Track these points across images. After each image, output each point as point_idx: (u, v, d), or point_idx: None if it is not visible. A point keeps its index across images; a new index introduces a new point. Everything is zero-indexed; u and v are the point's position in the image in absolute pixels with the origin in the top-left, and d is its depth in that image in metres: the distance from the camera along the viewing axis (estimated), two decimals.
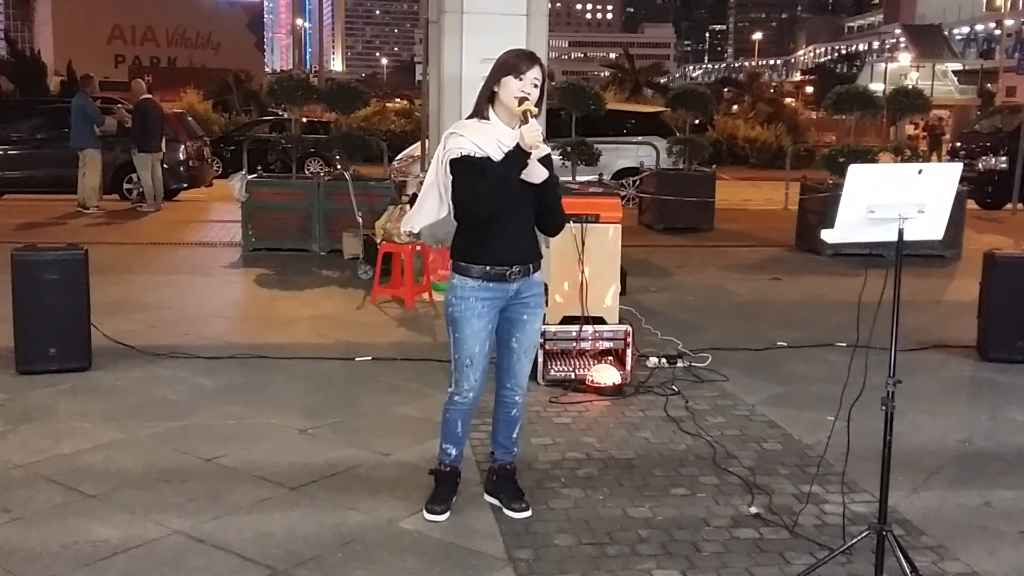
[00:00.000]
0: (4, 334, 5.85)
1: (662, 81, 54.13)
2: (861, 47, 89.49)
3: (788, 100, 48.60)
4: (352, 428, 4.97)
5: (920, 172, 3.20)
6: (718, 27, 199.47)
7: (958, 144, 19.55)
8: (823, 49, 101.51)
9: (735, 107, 41.12)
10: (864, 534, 3.41)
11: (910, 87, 13.48)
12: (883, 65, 59.33)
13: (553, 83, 13.69)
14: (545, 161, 3.71)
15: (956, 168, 3.29)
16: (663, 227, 12.96)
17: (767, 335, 7.09)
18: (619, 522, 3.91)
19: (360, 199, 9.51)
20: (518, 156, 3.55)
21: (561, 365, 5.70)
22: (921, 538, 3.81)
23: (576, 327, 5.70)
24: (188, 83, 35.63)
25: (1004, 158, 16.93)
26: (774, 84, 61.71)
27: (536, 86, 3.64)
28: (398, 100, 44.37)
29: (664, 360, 6.15)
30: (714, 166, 15.55)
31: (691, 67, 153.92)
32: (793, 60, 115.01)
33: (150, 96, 14.68)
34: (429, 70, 10.36)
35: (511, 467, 4.05)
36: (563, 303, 5.79)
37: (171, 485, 4.17)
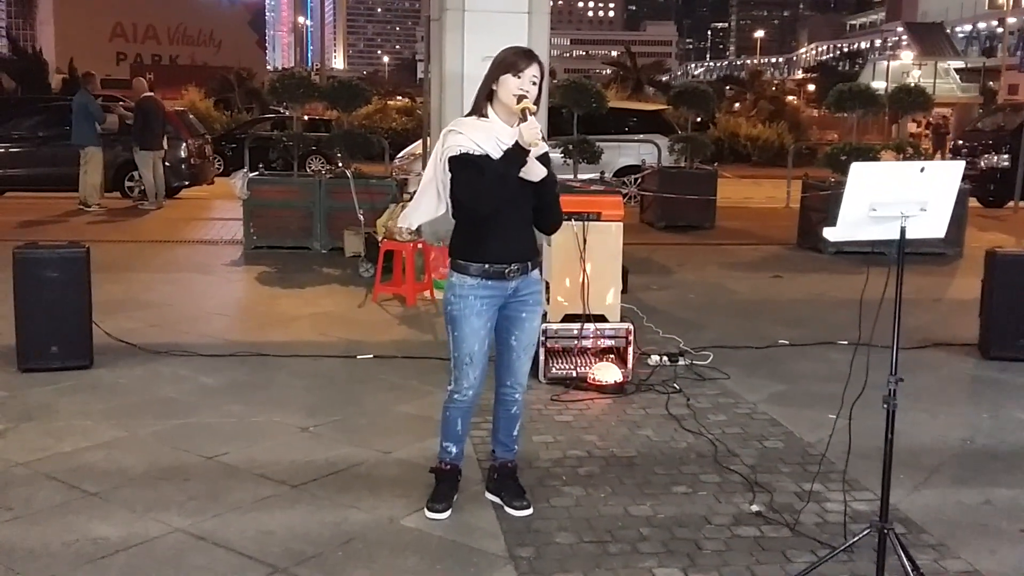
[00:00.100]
0: (5, 332, 5.85)
1: (664, 79, 54.06)
2: (863, 45, 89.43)
3: (790, 98, 48.56)
4: (353, 426, 4.97)
5: (922, 170, 3.19)
6: (720, 25, 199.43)
7: (960, 142, 19.52)
8: (825, 47, 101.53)
9: (737, 105, 41.09)
10: (865, 532, 3.41)
11: (912, 85, 13.46)
12: (885, 63, 59.18)
13: (555, 81, 13.67)
14: (543, 159, 3.70)
15: (958, 166, 3.29)
16: (665, 225, 12.96)
17: (768, 333, 7.09)
18: (620, 520, 3.91)
19: (361, 197, 9.51)
20: (517, 154, 3.55)
21: (562, 363, 5.70)
22: (922, 536, 3.81)
23: (578, 325, 5.70)
24: (190, 81, 35.64)
25: (1006, 156, 16.90)
26: (776, 82, 61.62)
27: (535, 83, 3.63)
28: (400, 98, 44.34)
29: (665, 358, 6.14)
30: (716, 164, 15.56)
31: (693, 65, 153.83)
32: (795, 58, 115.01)
33: (151, 94, 14.69)
34: (431, 68, 10.35)
35: (512, 465, 4.05)
36: (565, 301, 5.78)
37: (172, 483, 4.17)
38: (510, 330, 3.85)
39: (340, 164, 11.40)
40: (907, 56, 61.64)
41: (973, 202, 14.41)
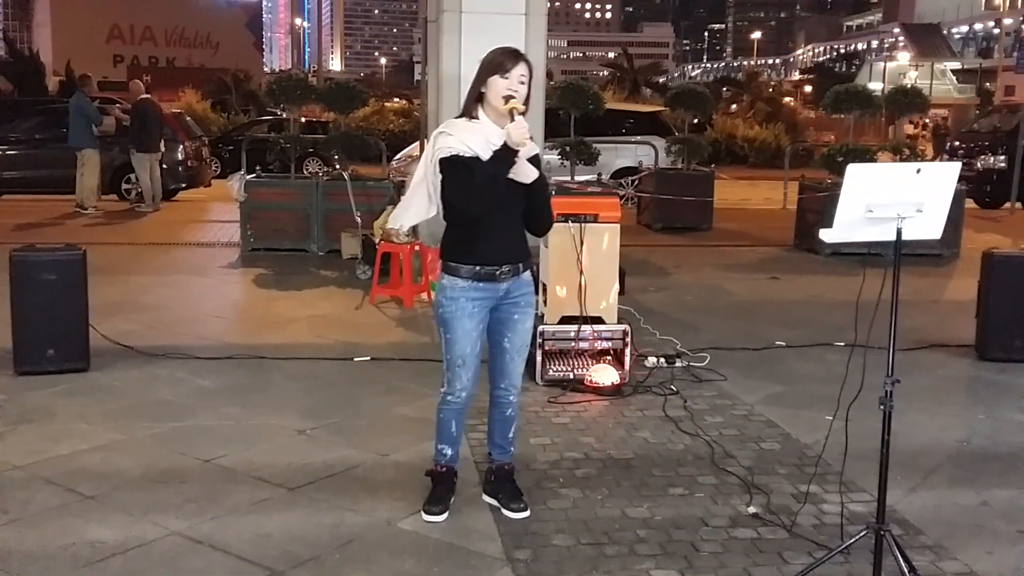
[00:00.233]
0: (2, 335, 5.84)
1: (661, 80, 54.23)
2: (860, 46, 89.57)
3: (787, 99, 48.62)
4: (350, 429, 4.97)
5: (918, 171, 3.20)
6: (717, 26, 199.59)
7: (957, 143, 19.54)
8: (822, 48, 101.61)
9: (734, 106, 41.13)
10: (862, 534, 3.41)
11: (908, 86, 13.47)
12: (882, 64, 59.33)
13: (552, 82, 13.68)
14: (533, 161, 3.70)
15: (954, 167, 3.29)
16: (662, 227, 12.96)
17: (765, 335, 7.09)
18: (617, 522, 3.91)
19: (359, 199, 9.51)
20: (506, 155, 3.55)
21: (560, 365, 5.70)
22: (919, 537, 3.81)
23: (575, 327, 5.69)
24: (187, 83, 35.64)
25: (1003, 157, 16.93)
26: (773, 83, 61.67)
27: (523, 83, 3.63)
28: (397, 100, 44.34)
29: (663, 360, 6.15)
30: (713, 165, 15.55)
31: (690, 66, 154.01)
32: (792, 59, 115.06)
33: (148, 96, 14.67)
34: (428, 70, 10.36)
35: (509, 467, 4.05)
36: (562, 303, 5.78)
37: (169, 486, 4.17)
38: (502, 332, 3.85)
39: (337, 166, 11.40)
40: (904, 57, 61.76)
41: (970, 203, 14.44)
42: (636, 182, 14.22)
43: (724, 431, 5.02)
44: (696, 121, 17.07)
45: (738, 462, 4.59)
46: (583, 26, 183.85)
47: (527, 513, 3.92)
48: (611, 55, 78.71)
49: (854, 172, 3.19)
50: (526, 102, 3.65)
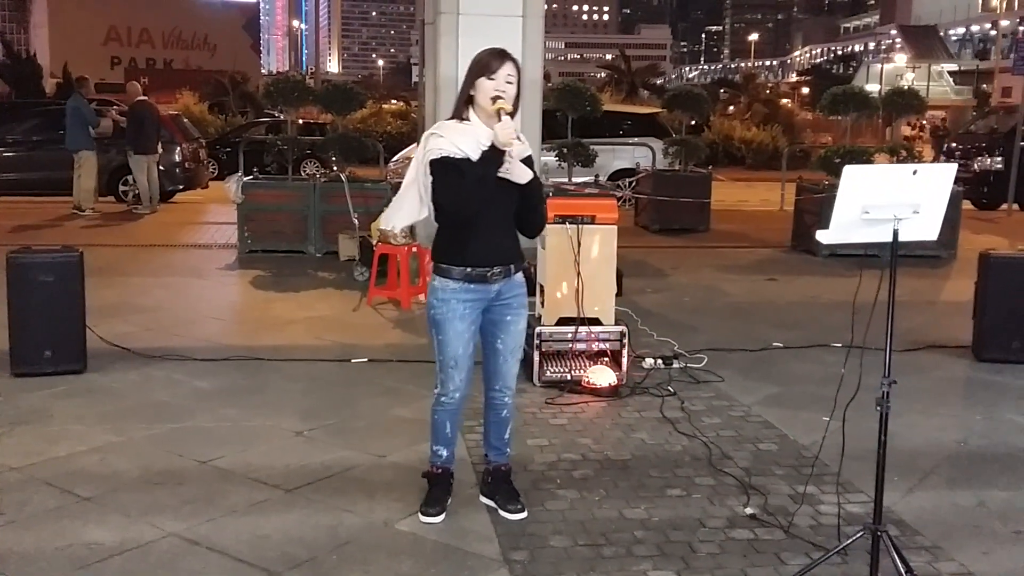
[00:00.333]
0: None
1: (658, 82, 54.21)
2: (857, 48, 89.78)
3: (784, 101, 48.64)
4: (348, 430, 4.97)
5: (915, 173, 3.20)
6: (714, 28, 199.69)
7: (954, 144, 19.57)
8: (819, 50, 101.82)
9: (731, 108, 41.16)
10: (859, 534, 3.41)
11: (905, 88, 13.49)
12: (879, 66, 59.40)
13: (549, 84, 13.68)
14: (526, 162, 3.71)
15: (951, 169, 3.30)
16: (659, 228, 12.97)
17: (763, 336, 7.10)
18: (615, 523, 3.91)
19: (356, 201, 9.51)
20: (494, 155, 3.56)
21: (557, 366, 5.71)
22: (916, 538, 3.81)
23: (572, 328, 5.70)
24: (184, 85, 35.59)
25: (999, 159, 16.94)
26: (770, 85, 61.75)
27: (511, 82, 3.64)
28: (394, 101, 44.31)
29: (660, 361, 6.15)
30: (710, 167, 15.57)
31: (687, 68, 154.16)
32: (789, 61, 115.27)
33: (146, 98, 14.68)
34: (425, 72, 10.36)
35: (506, 468, 4.04)
36: (559, 304, 5.79)
37: (166, 487, 4.17)
38: (495, 334, 3.86)
39: (335, 168, 11.39)
40: (901, 59, 61.87)
41: (967, 204, 14.45)
42: (634, 184, 14.23)
43: (721, 432, 5.03)
44: (693, 123, 17.06)
45: (735, 463, 4.59)
46: (580, 28, 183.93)
47: (524, 514, 3.92)
48: (608, 57, 78.81)
49: (851, 173, 3.19)
50: (516, 102, 3.66)
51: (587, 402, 5.44)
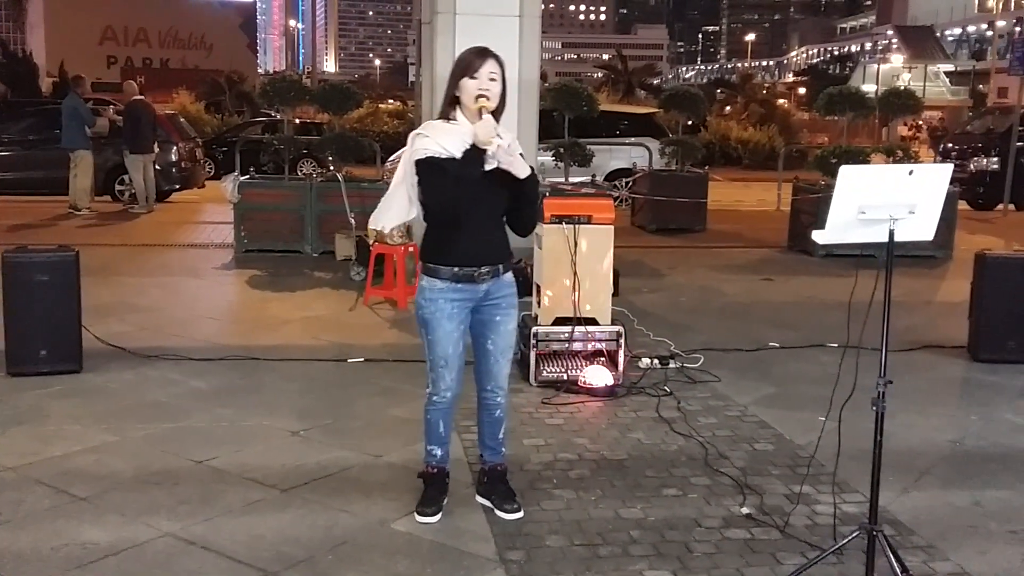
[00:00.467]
0: None
1: (655, 82, 54.21)
2: (853, 48, 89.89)
3: (781, 101, 48.70)
4: (344, 430, 4.96)
5: (911, 173, 3.21)
6: (711, 28, 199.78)
7: (950, 145, 19.60)
8: (815, 50, 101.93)
9: (728, 108, 41.20)
10: (855, 534, 3.42)
11: (902, 88, 13.51)
12: (875, 66, 59.47)
13: (546, 84, 13.69)
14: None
15: (947, 169, 3.30)
16: (656, 228, 12.98)
17: (759, 336, 7.10)
18: (611, 523, 3.91)
19: (353, 200, 9.50)
20: (476, 154, 3.56)
21: (553, 366, 5.71)
22: (912, 538, 3.82)
23: (568, 328, 5.70)
24: (180, 84, 35.57)
25: (995, 159, 16.98)
26: (767, 85, 61.82)
27: (494, 80, 3.64)
28: (391, 101, 44.31)
29: (656, 361, 6.15)
30: (707, 167, 15.58)
31: (684, 68, 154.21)
32: (786, 61, 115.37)
33: (142, 97, 14.65)
34: (422, 71, 10.36)
35: (501, 468, 4.04)
36: (555, 304, 5.79)
37: (162, 487, 4.16)
38: (485, 334, 3.86)
39: (331, 167, 11.39)
40: (897, 59, 61.95)
41: (962, 205, 14.47)
42: (630, 184, 14.24)
43: (717, 432, 5.03)
44: (690, 123, 17.10)
45: (731, 463, 4.60)
46: (577, 28, 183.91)
47: (520, 514, 3.92)
48: (605, 57, 78.80)
49: (847, 173, 3.20)
50: (503, 98, 3.67)
51: (583, 402, 5.45)
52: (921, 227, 3.29)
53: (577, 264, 5.66)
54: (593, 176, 13.12)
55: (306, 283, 9.01)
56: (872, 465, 3.35)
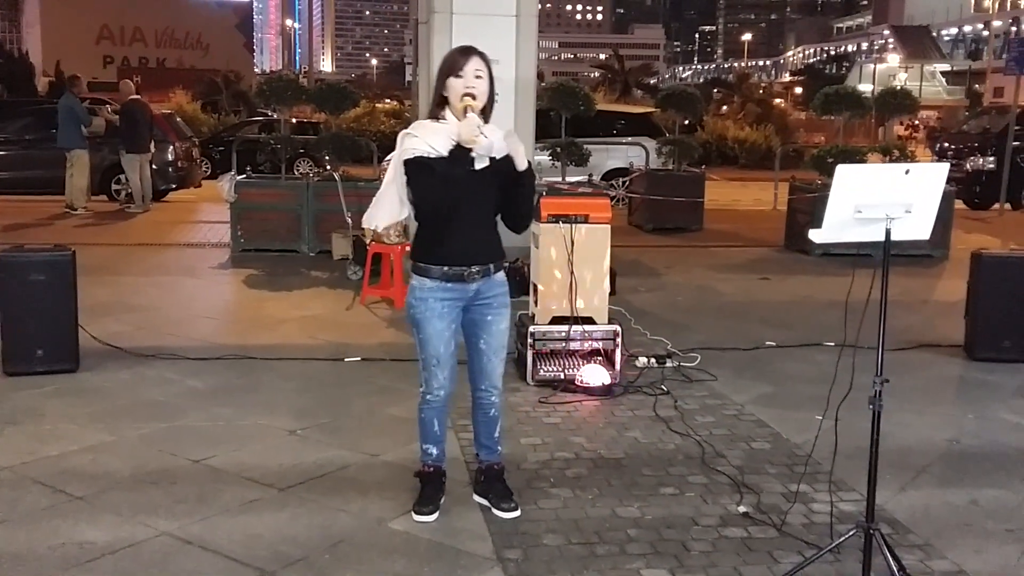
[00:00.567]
0: None
1: (652, 82, 54.18)
2: (850, 48, 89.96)
3: (777, 101, 48.76)
4: (341, 429, 4.96)
5: (907, 172, 3.21)
6: (708, 28, 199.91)
7: (946, 144, 19.62)
8: (812, 50, 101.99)
9: (724, 108, 41.20)
10: (852, 533, 3.42)
11: (898, 88, 13.53)
12: (872, 66, 59.52)
13: (543, 84, 13.70)
14: (507, 157, 3.69)
15: (943, 168, 3.31)
16: (652, 227, 12.99)
17: (756, 335, 7.11)
18: (608, 522, 3.91)
19: (349, 200, 9.50)
20: (460, 153, 3.56)
21: (550, 365, 5.71)
22: (908, 536, 3.82)
23: (565, 327, 5.70)
24: (177, 84, 35.55)
25: (992, 158, 17.00)
26: (763, 85, 61.86)
27: (480, 77, 3.64)
28: (388, 101, 44.31)
29: (653, 360, 6.15)
30: (703, 167, 15.58)
31: (681, 68, 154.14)
32: (782, 61, 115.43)
33: (138, 97, 14.64)
34: (419, 71, 10.35)
35: (498, 467, 4.04)
36: (552, 303, 5.79)
37: (159, 487, 4.16)
38: (477, 334, 3.86)
39: (328, 167, 11.39)
40: (893, 59, 62.01)
41: (959, 204, 14.49)
42: (627, 183, 14.24)
43: (714, 431, 5.03)
44: (687, 122, 17.09)
45: (728, 462, 4.60)
46: (574, 27, 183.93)
47: (517, 513, 3.92)
48: (602, 56, 78.81)
49: (843, 173, 3.20)
50: (491, 95, 3.68)
51: (580, 401, 5.45)
52: (917, 226, 3.30)
53: (574, 263, 5.67)
54: (590, 175, 13.12)
55: (303, 282, 9.01)
56: (869, 464, 3.36)
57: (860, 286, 3.39)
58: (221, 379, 5.80)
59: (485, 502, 4.00)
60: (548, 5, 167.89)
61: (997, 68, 47.47)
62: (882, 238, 3.26)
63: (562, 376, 5.66)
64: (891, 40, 68.70)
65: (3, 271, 5.63)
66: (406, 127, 3.81)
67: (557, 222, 5.70)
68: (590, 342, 5.74)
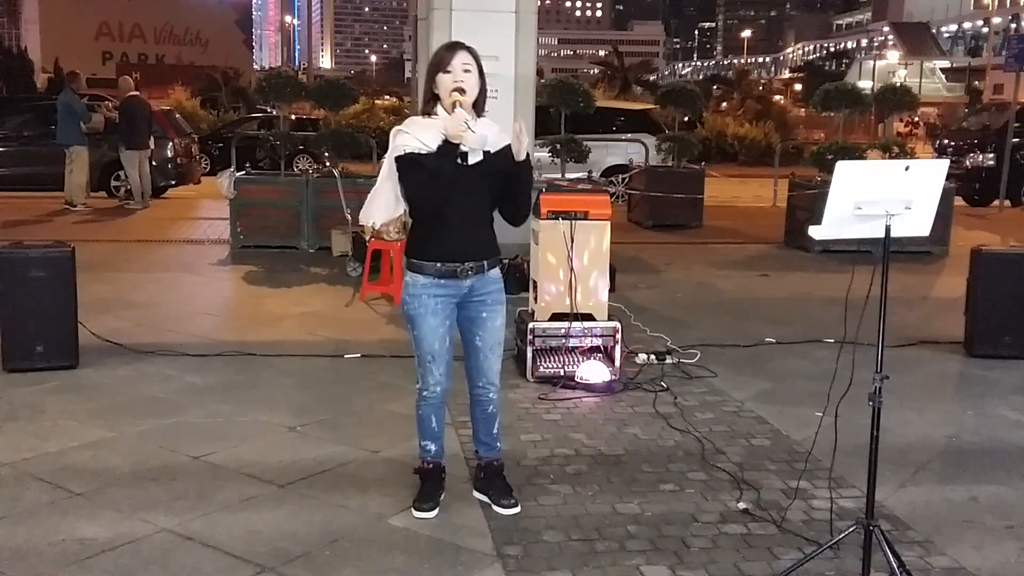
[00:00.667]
0: None
1: (651, 78, 54.14)
2: (849, 44, 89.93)
3: (777, 97, 48.67)
4: (341, 425, 4.96)
5: (907, 169, 3.21)
6: (707, 25, 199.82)
7: (946, 141, 19.61)
8: (812, 47, 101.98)
9: (724, 104, 41.16)
10: (851, 529, 3.42)
11: (898, 84, 13.53)
12: (871, 62, 59.51)
13: (542, 80, 13.69)
14: (504, 151, 3.69)
15: (943, 164, 3.30)
16: (652, 224, 12.99)
17: (755, 331, 7.11)
18: (608, 518, 3.91)
19: (349, 196, 9.49)
20: (448, 148, 3.56)
21: (550, 362, 5.71)
22: (908, 533, 3.83)
23: (565, 324, 5.70)
24: (176, 80, 35.55)
25: (991, 155, 16.99)
26: (763, 81, 61.75)
27: (468, 71, 3.65)
28: (387, 97, 44.27)
29: (653, 356, 6.16)
30: (703, 163, 15.58)
31: (680, 64, 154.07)
32: (782, 57, 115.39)
33: (137, 93, 14.62)
34: (418, 67, 10.34)
35: (498, 463, 4.05)
36: (552, 300, 5.79)
37: (159, 483, 4.16)
38: (473, 331, 3.86)
39: (327, 163, 11.38)
40: (893, 56, 61.99)
41: (959, 201, 14.49)
42: (627, 180, 14.23)
43: (714, 427, 5.04)
44: (686, 119, 17.08)
45: (728, 458, 4.60)
46: (573, 24, 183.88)
47: (517, 509, 3.92)
48: (602, 53, 78.66)
49: (843, 169, 3.20)
50: (482, 89, 3.69)
51: (580, 398, 5.45)
52: (917, 223, 3.29)
53: (574, 260, 5.66)
54: (589, 172, 13.12)
55: (302, 279, 9.01)
56: (869, 460, 3.36)
57: (860, 282, 3.39)
58: (221, 375, 5.80)
59: (485, 498, 4.00)
60: (547, 1, 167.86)
61: (997, 65, 47.45)
62: (882, 234, 3.26)
63: (562, 373, 5.66)
64: (891, 37, 68.70)
65: (3, 267, 5.63)
66: (400, 124, 3.82)
67: (557, 219, 5.69)
68: (590, 339, 5.74)
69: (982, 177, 17.05)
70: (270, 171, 12.12)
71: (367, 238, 8.27)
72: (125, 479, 4.20)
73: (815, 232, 3.29)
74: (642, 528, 3.83)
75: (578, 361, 5.68)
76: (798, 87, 65.60)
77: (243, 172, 11.18)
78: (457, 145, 3.55)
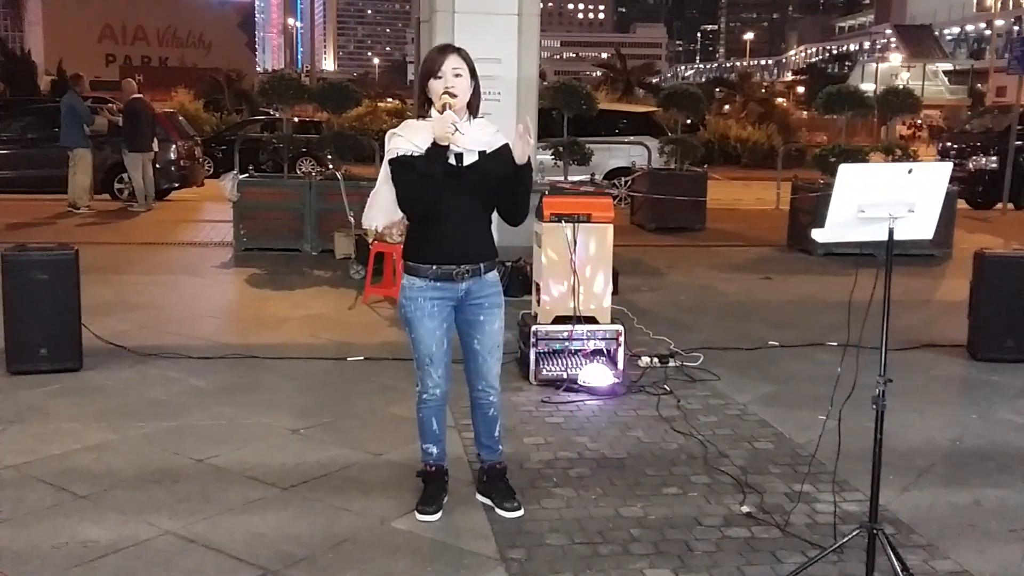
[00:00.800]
0: None
1: (654, 81, 54.15)
2: (852, 47, 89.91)
3: (779, 100, 48.72)
4: (344, 428, 4.96)
5: (910, 172, 3.21)
6: (709, 27, 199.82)
7: (949, 144, 19.59)
8: (814, 49, 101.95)
9: (727, 107, 41.20)
10: (855, 533, 3.42)
11: (901, 87, 13.52)
12: (874, 65, 59.45)
13: (545, 83, 13.70)
14: (503, 151, 3.69)
15: (946, 168, 3.30)
16: (655, 227, 12.99)
17: (758, 335, 7.11)
18: (611, 521, 3.91)
19: (352, 199, 9.49)
20: (436, 151, 3.56)
21: (553, 365, 5.70)
22: (912, 537, 3.82)
23: (568, 327, 5.70)
24: (179, 83, 35.53)
25: (994, 158, 16.99)
26: (765, 84, 61.80)
27: (459, 75, 3.65)
28: (390, 100, 44.32)
29: (656, 359, 6.15)
30: (706, 166, 15.58)
31: (683, 67, 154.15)
32: (784, 60, 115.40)
33: (140, 96, 14.65)
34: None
35: (500, 466, 4.04)
36: (555, 303, 5.79)
37: (162, 485, 4.16)
38: (471, 334, 3.86)
39: (330, 166, 11.38)
40: (896, 58, 61.95)
41: (961, 204, 14.48)
42: (629, 182, 14.24)
43: (717, 431, 5.03)
44: (689, 121, 17.07)
45: (731, 461, 4.60)
46: (576, 26, 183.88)
47: (521, 512, 3.92)
48: (604, 55, 78.72)
49: (846, 172, 3.20)
50: (476, 91, 3.69)
51: (583, 401, 5.45)
52: (920, 226, 3.29)
53: (576, 263, 5.66)
54: (592, 175, 13.13)
55: (305, 281, 9.01)
56: (872, 464, 3.36)
57: (863, 286, 3.39)
58: (224, 378, 5.80)
59: (488, 502, 4.00)
60: (550, 4, 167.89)
61: (1000, 67, 47.35)
62: (885, 238, 3.26)
63: (565, 376, 5.66)
64: (893, 39, 68.67)
65: (7, 270, 5.64)
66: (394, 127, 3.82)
67: (560, 221, 5.69)
68: (593, 341, 5.74)
69: (985, 180, 17.04)
70: (273, 174, 12.14)
71: (370, 241, 8.27)
72: (128, 481, 4.20)
73: (818, 235, 3.29)
74: (645, 531, 3.82)
75: (581, 364, 5.68)
76: (801, 90, 65.61)
77: (246, 175, 11.20)
78: (446, 147, 3.56)
